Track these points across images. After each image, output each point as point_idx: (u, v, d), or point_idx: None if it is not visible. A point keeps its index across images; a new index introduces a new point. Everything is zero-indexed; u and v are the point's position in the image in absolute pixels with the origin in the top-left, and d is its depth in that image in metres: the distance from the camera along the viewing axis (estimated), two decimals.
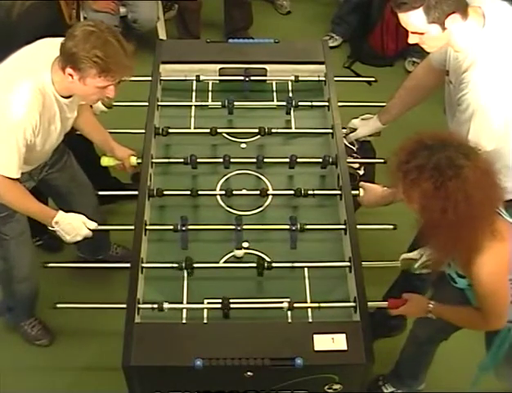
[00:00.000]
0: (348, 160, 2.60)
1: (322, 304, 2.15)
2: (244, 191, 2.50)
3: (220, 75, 2.89)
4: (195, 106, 2.81)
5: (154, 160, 2.57)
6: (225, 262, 2.30)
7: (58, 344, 3.01)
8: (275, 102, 2.84)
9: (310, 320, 2.16)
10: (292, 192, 2.47)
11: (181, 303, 2.19)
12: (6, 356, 2.95)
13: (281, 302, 2.14)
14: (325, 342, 2.01)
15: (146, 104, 2.71)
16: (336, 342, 2.01)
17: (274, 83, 2.91)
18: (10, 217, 2.47)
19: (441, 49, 2.22)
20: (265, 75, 2.89)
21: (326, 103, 2.78)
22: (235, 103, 2.74)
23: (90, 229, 2.40)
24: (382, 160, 2.66)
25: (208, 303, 2.15)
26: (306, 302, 2.20)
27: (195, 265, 2.25)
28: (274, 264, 2.25)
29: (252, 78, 2.84)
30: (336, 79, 2.84)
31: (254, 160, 2.56)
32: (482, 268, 1.85)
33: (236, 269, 2.26)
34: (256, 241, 2.35)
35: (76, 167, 2.77)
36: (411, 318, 2.65)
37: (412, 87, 2.62)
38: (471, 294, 2.09)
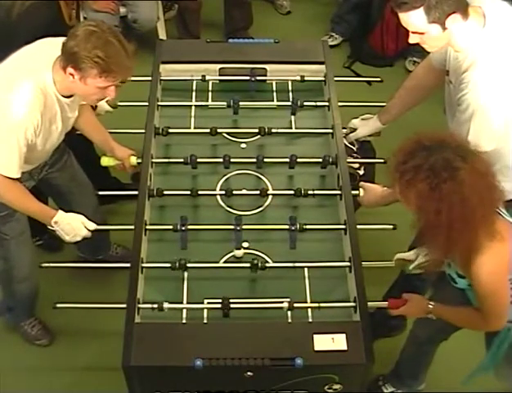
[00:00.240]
0: (348, 160, 2.60)
1: (322, 304, 2.15)
2: (244, 192, 2.50)
3: (220, 75, 2.89)
4: (195, 105, 2.81)
5: (154, 160, 2.57)
6: (225, 262, 2.30)
7: (58, 344, 3.01)
8: (275, 102, 2.84)
9: (310, 320, 2.16)
10: (292, 192, 2.46)
11: (181, 303, 2.19)
12: (6, 356, 2.95)
13: (281, 302, 2.14)
14: (325, 342, 2.01)
15: (146, 104, 2.71)
16: (336, 342, 2.01)
17: (274, 83, 2.91)
18: (10, 216, 2.47)
19: (441, 49, 2.22)
20: (265, 75, 2.89)
21: (326, 103, 2.78)
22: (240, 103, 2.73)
23: (89, 230, 2.40)
24: (382, 160, 2.65)
25: (208, 303, 2.15)
26: (306, 302, 2.20)
27: (194, 265, 2.25)
28: (270, 264, 2.25)
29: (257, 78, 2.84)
30: (336, 78, 2.84)
31: (254, 160, 2.56)
32: (482, 268, 1.85)
33: (236, 269, 2.26)
34: (256, 241, 2.35)
35: (76, 167, 2.77)
36: (411, 319, 2.65)
37: (412, 87, 2.62)
38: (471, 294, 2.09)
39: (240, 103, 2.74)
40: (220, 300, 2.12)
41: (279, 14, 4.76)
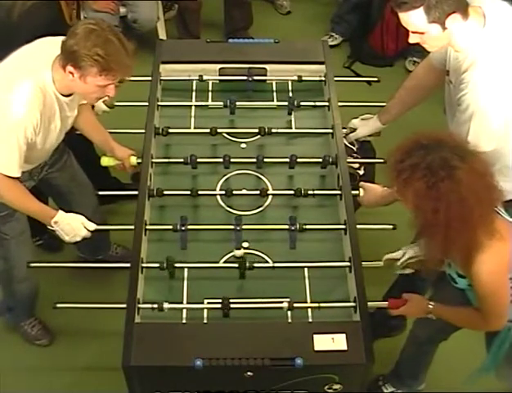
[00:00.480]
0: (348, 160, 2.60)
1: (322, 304, 2.15)
2: (244, 192, 2.50)
3: (220, 75, 2.89)
4: (195, 105, 2.81)
5: (154, 160, 2.57)
6: (225, 262, 2.30)
7: (58, 344, 3.01)
8: (275, 102, 2.83)
9: (310, 320, 2.16)
10: (292, 192, 2.46)
11: (181, 303, 2.19)
12: (6, 356, 2.95)
13: (281, 302, 2.14)
14: (325, 342, 2.01)
15: (146, 104, 2.70)
16: (336, 342, 2.01)
17: (274, 83, 2.91)
18: (10, 216, 2.47)
19: (441, 49, 2.22)
20: (265, 75, 2.89)
21: (326, 103, 2.78)
22: (236, 103, 2.73)
23: (89, 230, 2.40)
24: (382, 160, 2.65)
25: (208, 303, 2.15)
26: (306, 302, 2.20)
27: (192, 265, 2.25)
28: (267, 264, 2.26)
29: (254, 78, 2.84)
30: (336, 78, 2.84)
31: (254, 160, 2.56)
32: (482, 267, 1.85)
33: (236, 269, 2.26)
34: (256, 241, 2.35)
35: (76, 167, 2.77)
36: (411, 319, 2.65)
37: (412, 87, 2.62)
38: (472, 294, 2.09)
39: (240, 103, 2.74)
40: (220, 300, 2.12)
41: (279, 14, 4.76)
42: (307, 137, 2.72)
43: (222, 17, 4.44)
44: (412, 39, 2.12)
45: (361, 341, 2.02)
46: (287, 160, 2.55)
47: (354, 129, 2.79)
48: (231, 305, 2.12)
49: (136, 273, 2.19)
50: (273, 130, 2.65)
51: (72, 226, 2.37)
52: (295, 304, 2.14)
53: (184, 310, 2.16)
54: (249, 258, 2.27)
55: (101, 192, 2.73)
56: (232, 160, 2.53)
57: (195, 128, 2.73)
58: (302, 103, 2.76)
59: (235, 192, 2.47)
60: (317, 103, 2.79)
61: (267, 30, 4.42)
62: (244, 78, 2.83)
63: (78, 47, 2.08)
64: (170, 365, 1.99)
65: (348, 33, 4.49)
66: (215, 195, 2.50)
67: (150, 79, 2.81)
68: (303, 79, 2.86)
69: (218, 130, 2.64)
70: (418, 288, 2.60)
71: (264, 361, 1.95)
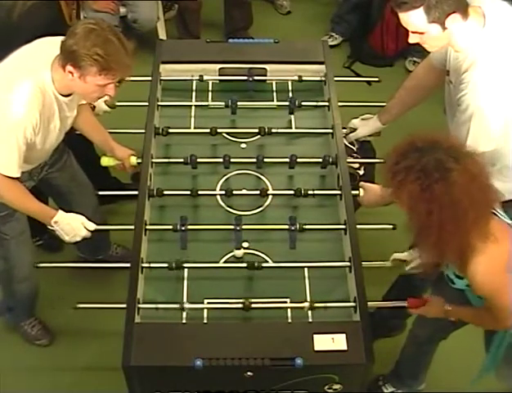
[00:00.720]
0: (348, 160, 2.60)
1: (322, 305, 2.14)
2: (244, 192, 2.50)
3: (220, 75, 2.89)
4: (195, 105, 2.81)
5: (154, 160, 2.57)
6: (225, 262, 2.30)
7: (58, 344, 3.01)
8: (275, 102, 2.83)
9: (310, 320, 2.16)
10: (292, 192, 2.46)
11: (181, 303, 2.18)
12: (6, 356, 2.95)
13: (281, 302, 2.14)
14: (325, 342, 2.01)
15: (146, 104, 2.70)
16: (336, 342, 2.01)
17: (274, 83, 2.91)
18: (10, 216, 2.47)
19: (441, 49, 2.22)
20: (265, 75, 2.89)
21: (326, 103, 2.78)
22: (238, 103, 2.73)
23: (89, 230, 2.40)
24: (382, 160, 2.65)
25: (208, 303, 2.14)
26: (306, 302, 2.19)
27: (193, 265, 2.25)
28: (267, 264, 2.26)
29: (254, 78, 2.84)
30: (336, 78, 2.84)
31: (254, 160, 2.56)
32: (477, 269, 1.85)
33: (236, 269, 2.26)
34: (256, 241, 2.35)
35: (76, 167, 2.77)
36: (411, 319, 2.65)
37: (412, 87, 2.62)
38: (471, 294, 2.09)
39: (240, 103, 2.74)
40: (242, 301, 2.12)
41: (279, 14, 4.76)
42: (307, 137, 2.72)
43: (222, 17, 4.44)
44: (412, 39, 2.12)
45: (361, 341, 2.02)
46: (287, 160, 2.55)
47: (354, 129, 2.79)
48: (232, 306, 2.12)
49: (136, 273, 2.19)
50: (273, 130, 2.65)
51: (72, 226, 2.37)
52: (316, 304, 2.14)
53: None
54: (248, 258, 2.27)
55: (101, 192, 2.73)
56: (232, 160, 2.53)
57: (195, 128, 2.73)
58: (302, 103, 2.75)
59: (235, 192, 2.47)
60: (317, 103, 2.79)
61: (267, 30, 4.42)
62: (244, 78, 2.83)
63: (78, 46, 2.08)
64: (170, 365, 1.99)
65: (348, 33, 4.49)
66: (215, 195, 2.50)
67: (150, 79, 2.81)
68: (303, 78, 2.86)
69: (218, 130, 2.64)
70: (418, 288, 2.60)
71: (264, 361, 1.95)
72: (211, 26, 4.50)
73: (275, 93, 2.88)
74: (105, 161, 2.70)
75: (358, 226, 2.34)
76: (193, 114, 2.78)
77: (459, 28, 2.06)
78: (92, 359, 2.91)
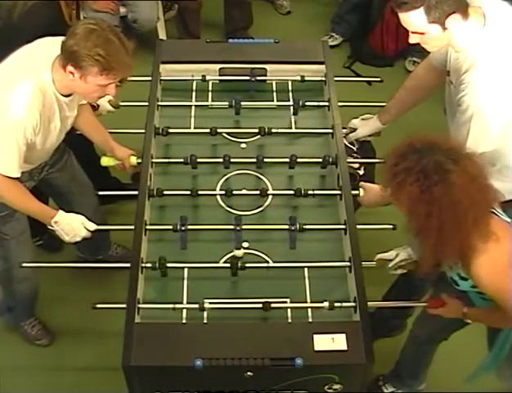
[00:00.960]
0: (348, 160, 2.60)
1: (322, 305, 2.14)
2: (244, 192, 2.50)
3: (220, 75, 2.89)
4: (195, 105, 2.81)
5: (154, 160, 2.57)
6: (225, 262, 2.29)
7: (58, 344, 3.01)
8: (275, 102, 2.83)
9: (310, 320, 2.16)
10: (292, 192, 2.46)
11: (182, 303, 2.19)
12: (6, 356, 2.95)
13: (282, 302, 2.14)
14: (325, 342, 2.01)
15: (146, 104, 2.70)
16: (336, 342, 2.01)
17: (274, 83, 2.91)
18: (10, 216, 2.47)
19: (442, 49, 2.22)
20: (265, 75, 2.89)
21: (326, 103, 2.78)
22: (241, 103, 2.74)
23: (89, 230, 2.40)
24: (382, 160, 2.65)
25: (209, 303, 2.14)
26: (306, 302, 2.20)
27: (192, 265, 2.26)
28: (267, 264, 2.27)
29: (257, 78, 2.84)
30: (336, 78, 2.84)
31: (254, 160, 2.56)
32: (481, 269, 1.85)
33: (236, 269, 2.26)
34: (256, 241, 2.35)
35: (76, 167, 2.78)
36: (411, 319, 2.65)
37: (412, 87, 2.62)
38: (474, 295, 2.09)
39: (242, 103, 2.74)
40: (262, 301, 2.12)
41: (279, 14, 4.77)
42: (307, 137, 2.71)
43: (222, 17, 4.44)
44: (412, 39, 2.12)
45: (361, 341, 2.02)
46: (287, 160, 2.55)
47: (354, 129, 2.79)
48: (231, 305, 2.13)
49: (136, 273, 2.19)
50: (273, 130, 2.65)
51: (72, 226, 2.37)
52: (295, 304, 2.14)
53: (184, 310, 2.15)
54: (248, 258, 2.27)
55: (101, 192, 2.73)
56: (232, 160, 2.53)
57: (195, 128, 2.73)
58: (303, 103, 2.75)
59: (235, 192, 2.47)
60: (318, 103, 2.79)
61: (267, 30, 4.43)
62: (246, 78, 2.83)
63: (79, 47, 2.08)
64: (170, 365, 1.99)
65: (348, 34, 4.49)
66: (215, 195, 2.50)
67: (150, 79, 2.81)
68: (303, 79, 2.86)
69: (218, 130, 2.64)
70: (418, 288, 2.60)
71: (264, 361, 1.95)
72: (211, 26, 4.50)
73: (275, 93, 2.88)
74: (105, 161, 2.70)
75: (358, 226, 2.34)
76: (193, 114, 2.78)
77: (459, 28, 2.06)
78: (92, 359, 2.91)
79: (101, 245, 3.09)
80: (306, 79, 2.86)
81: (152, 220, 2.41)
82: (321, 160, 2.56)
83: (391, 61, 4.38)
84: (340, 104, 2.73)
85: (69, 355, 2.95)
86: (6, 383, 2.76)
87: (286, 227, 2.33)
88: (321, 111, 2.80)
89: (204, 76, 2.83)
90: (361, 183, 2.51)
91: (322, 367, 2.01)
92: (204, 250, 2.34)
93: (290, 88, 2.89)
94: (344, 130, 2.74)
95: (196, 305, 2.14)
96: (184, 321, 2.14)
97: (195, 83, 2.87)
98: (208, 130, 2.64)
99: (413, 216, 1.79)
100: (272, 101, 2.85)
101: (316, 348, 2.00)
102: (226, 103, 2.74)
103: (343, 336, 2.02)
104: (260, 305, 2.13)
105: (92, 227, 2.41)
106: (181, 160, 2.53)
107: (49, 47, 2.23)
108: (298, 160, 2.54)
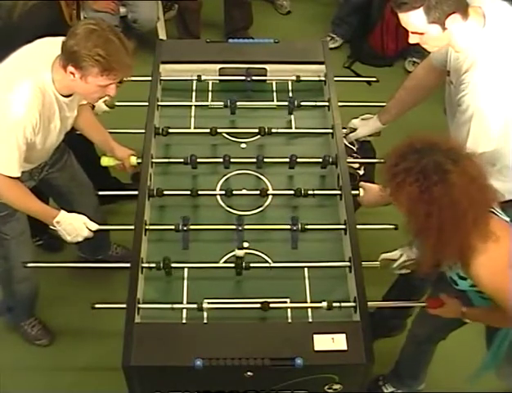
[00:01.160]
0: (348, 160, 2.60)
1: (321, 304, 2.15)
2: (244, 191, 2.50)
3: (220, 75, 2.89)
4: (195, 105, 2.81)
5: (154, 160, 2.57)
6: (225, 262, 2.29)
7: (58, 344, 3.01)
8: (275, 102, 2.84)
9: (310, 320, 2.16)
10: (292, 192, 2.46)
11: (182, 303, 2.19)
12: (6, 356, 2.95)
13: (282, 302, 2.14)
14: (325, 342, 2.01)
15: (146, 104, 2.70)
16: (336, 342, 2.01)
17: (274, 83, 2.91)
18: (10, 216, 2.47)
19: (442, 49, 2.22)
20: (265, 75, 2.89)
21: (326, 103, 2.78)
22: (237, 103, 2.73)
23: (91, 230, 2.40)
24: (382, 160, 2.65)
25: (209, 303, 2.14)
26: (306, 302, 2.20)
27: (192, 265, 2.26)
28: (267, 264, 2.27)
29: (253, 78, 2.83)
30: (336, 78, 2.84)
31: (254, 160, 2.56)
32: (480, 270, 1.85)
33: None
34: (256, 241, 2.35)
35: (76, 166, 2.78)
36: (411, 319, 2.65)
37: (412, 87, 2.62)
38: (473, 295, 2.09)
39: (240, 103, 2.74)
40: (260, 301, 2.12)
41: (279, 14, 4.77)
42: (307, 137, 2.71)
43: (222, 17, 4.44)
44: (412, 40, 2.12)
45: (361, 341, 2.02)
46: (287, 160, 2.55)
47: (354, 129, 2.79)
48: (231, 305, 2.13)
49: (136, 273, 2.19)
50: (273, 130, 2.65)
51: (74, 226, 2.37)
52: (295, 304, 2.14)
53: (184, 310, 2.16)
54: (249, 258, 2.27)
55: (101, 192, 2.72)
56: (232, 160, 2.53)
57: (195, 128, 2.73)
58: (302, 103, 2.75)
59: (235, 192, 2.47)
60: (317, 103, 2.79)
61: (267, 30, 4.43)
62: (244, 78, 2.83)
63: (79, 47, 2.08)
64: (170, 365, 1.99)
65: (349, 36, 4.49)
66: (215, 195, 2.50)
67: (150, 79, 2.81)
68: (303, 79, 2.86)
69: (218, 130, 2.64)
70: (418, 288, 2.60)
71: (264, 361, 1.95)
72: (211, 26, 4.50)
73: (275, 93, 2.88)
74: (105, 161, 2.70)
75: (358, 226, 2.34)
76: (193, 114, 2.78)
77: (459, 28, 2.06)
78: (92, 359, 2.91)
79: (101, 245, 3.09)
80: (306, 79, 2.86)
81: (152, 220, 2.41)
82: (321, 160, 2.56)
83: (391, 61, 4.38)
84: (340, 104, 2.73)
85: (69, 355, 2.95)
86: (6, 383, 2.76)
87: (288, 227, 2.33)
88: (320, 111, 2.80)
89: (199, 76, 2.83)
90: (361, 183, 2.51)
91: (322, 367, 2.01)
92: (204, 250, 2.34)
93: (290, 88, 2.89)
94: (344, 130, 2.75)
95: (193, 305, 2.14)
96: (184, 321, 2.14)
97: (194, 83, 2.86)
98: (208, 130, 2.64)
99: (413, 216, 1.79)
100: (272, 101, 2.85)
101: (316, 348, 2.00)
102: (222, 103, 2.74)
103: (343, 336, 2.02)
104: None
105: (94, 227, 2.41)
106: (181, 160, 2.53)
107: (49, 47, 2.23)
108: (298, 160, 2.54)
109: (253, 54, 2.91)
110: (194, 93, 2.85)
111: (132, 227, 2.31)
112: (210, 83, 2.89)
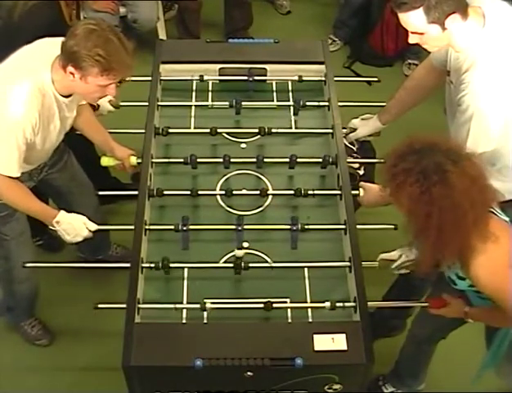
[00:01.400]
0: (348, 160, 2.60)
1: (321, 305, 2.15)
2: (244, 191, 2.50)
3: (220, 75, 2.89)
4: (195, 105, 2.81)
5: (154, 160, 2.57)
6: (225, 262, 2.29)
7: (58, 344, 3.01)
8: (275, 102, 2.84)
9: (310, 320, 2.16)
10: (292, 192, 2.46)
11: (182, 303, 2.19)
12: (6, 356, 2.95)
13: (282, 302, 2.14)
14: (325, 342, 2.01)
15: (146, 104, 2.70)
16: (336, 342, 2.01)
17: (274, 83, 2.91)
18: (10, 216, 2.47)
19: (442, 49, 2.22)
20: (265, 75, 2.89)
21: (326, 103, 2.78)
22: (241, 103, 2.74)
23: (91, 231, 2.40)
24: (382, 160, 2.65)
25: (212, 303, 2.14)
26: (306, 302, 2.20)
27: (192, 265, 2.26)
28: (267, 264, 2.26)
29: (255, 78, 2.84)
30: (336, 78, 2.84)
31: (254, 160, 2.56)
32: (479, 270, 1.85)
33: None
34: (256, 241, 2.35)
35: (76, 167, 2.78)
36: (411, 319, 2.65)
37: (412, 87, 2.62)
38: (472, 295, 2.09)
39: (242, 103, 2.74)
40: (264, 301, 2.12)
41: (279, 14, 4.77)
42: (307, 137, 2.71)
43: (222, 17, 4.44)
44: (412, 40, 2.12)
45: (361, 341, 2.02)
46: (287, 160, 2.55)
47: (354, 129, 2.79)
48: (231, 305, 2.13)
49: (136, 273, 2.19)
50: (273, 130, 2.65)
51: (74, 226, 2.37)
52: (295, 304, 2.14)
53: (184, 310, 2.16)
54: (249, 258, 2.27)
55: (101, 192, 2.72)
56: (232, 160, 2.53)
57: (195, 128, 2.73)
58: (304, 103, 2.74)
59: (235, 192, 2.47)
60: (317, 103, 2.79)
61: (267, 30, 4.43)
62: (245, 78, 2.83)
63: (79, 47, 2.08)
64: (170, 365, 1.99)
65: (350, 38, 4.48)
66: (215, 195, 2.50)
67: (150, 79, 2.81)
68: (303, 79, 2.86)
69: (218, 130, 2.64)
70: (418, 288, 2.60)
71: (264, 361, 1.95)
72: (211, 26, 4.50)
73: (275, 93, 2.88)
74: (105, 161, 2.70)
75: (358, 226, 2.34)
76: (193, 114, 2.78)
77: (459, 28, 2.06)
78: (92, 359, 2.91)
79: (101, 245, 3.09)
80: (306, 79, 2.86)
81: (152, 220, 2.41)
82: (321, 160, 2.56)
83: (391, 61, 4.37)
84: (340, 104, 2.73)
85: (69, 355, 2.95)
86: (6, 383, 2.77)
87: (288, 227, 2.33)
88: (320, 111, 2.80)
89: (201, 76, 2.83)
90: (361, 183, 2.51)
91: (322, 367, 2.01)
92: (204, 250, 2.34)
93: (290, 88, 2.89)
94: (344, 130, 2.74)
95: (196, 305, 2.14)
96: (184, 321, 2.14)
97: (194, 83, 2.87)
98: (208, 130, 2.63)
99: (413, 217, 1.79)
100: (272, 101, 2.85)
101: (316, 348, 2.00)
102: (227, 103, 2.74)
103: (343, 336, 2.02)
104: (260, 305, 2.13)
105: (94, 227, 2.41)
106: (181, 160, 2.53)
107: (49, 47, 2.23)
108: (298, 160, 2.54)
109: (253, 54, 2.91)
110: (194, 93, 2.85)
111: (132, 227, 2.31)
112: (210, 83, 2.89)
